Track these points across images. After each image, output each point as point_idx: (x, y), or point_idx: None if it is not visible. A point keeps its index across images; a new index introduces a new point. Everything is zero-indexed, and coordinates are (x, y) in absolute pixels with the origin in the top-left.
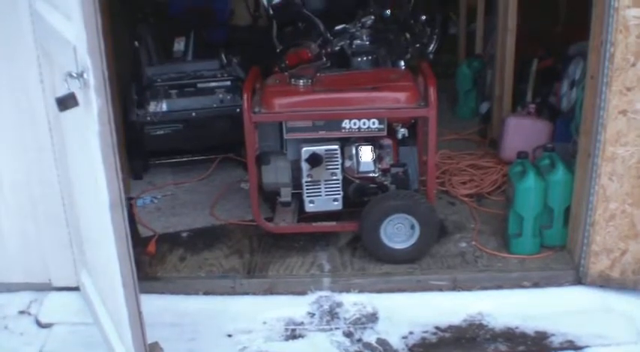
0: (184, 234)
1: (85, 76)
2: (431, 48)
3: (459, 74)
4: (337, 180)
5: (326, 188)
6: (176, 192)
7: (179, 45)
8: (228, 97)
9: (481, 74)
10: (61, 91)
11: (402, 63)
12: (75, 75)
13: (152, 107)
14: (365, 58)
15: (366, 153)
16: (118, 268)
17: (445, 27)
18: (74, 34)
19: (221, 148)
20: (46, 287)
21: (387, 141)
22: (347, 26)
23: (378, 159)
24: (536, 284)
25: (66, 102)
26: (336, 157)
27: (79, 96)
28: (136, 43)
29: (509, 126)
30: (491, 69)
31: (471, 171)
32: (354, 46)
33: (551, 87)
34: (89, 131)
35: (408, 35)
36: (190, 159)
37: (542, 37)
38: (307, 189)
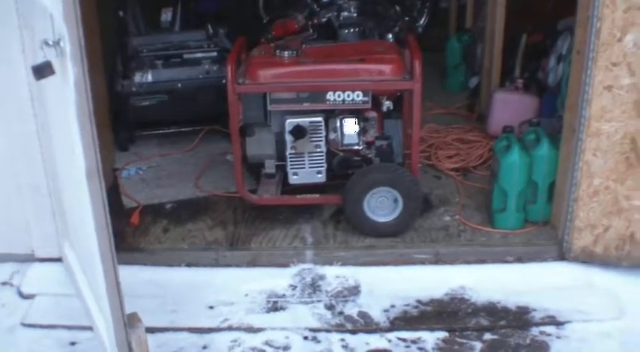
0: (168, 206)
1: (61, 43)
2: (421, 21)
3: (448, 48)
4: (321, 152)
5: (310, 160)
6: (161, 164)
7: (166, 15)
8: (215, 68)
9: (470, 48)
10: (38, 60)
11: (390, 36)
12: (51, 43)
13: (137, 78)
14: (352, 30)
15: (350, 126)
16: (96, 238)
17: (436, 0)
18: (51, 1)
19: (207, 120)
20: (28, 259)
21: (372, 114)
22: None
23: (362, 132)
24: (519, 259)
25: (42, 71)
26: (320, 129)
27: (56, 65)
28: (121, 13)
29: (496, 101)
30: (481, 43)
31: (457, 145)
32: (341, 18)
33: (540, 62)
34: (66, 100)
35: (397, 8)
36: (176, 130)
37: (534, 12)
38: (291, 161)
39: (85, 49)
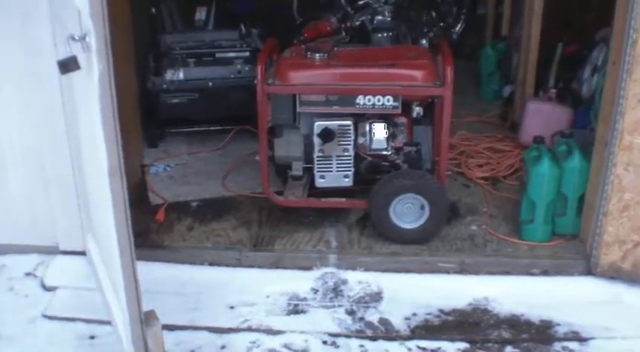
0: (194, 204)
1: (87, 39)
2: (457, 28)
3: (483, 56)
4: (349, 156)
5: (337, 164)
6: (190, 162)
7: (200, 14)
8: (246, 68)
9: (505, 57)
10: (65, 54)
11: (424, 41)
12: (77, 38)
13: (169, 75)
14: (385, 35)
15: (379, 131)
16: (115, 234)
17: (474, 7)
18: None
19: (237, 119)
20: (53, 251)
21: (402, 120)
22: (370, 1)
23: (391, 137)
24: (545, 272)
25: (67, 65)
26: (349, 133)
27: (81, 60)
28: (153, 10)
29: (528, 111)
30: (517, 52)
31: (488, 154)
32: (375, 22)
33: (575, 73)
34: (90, 95)
35: (433, 13)
36: (206, 129)
37: (574, 23)
38: (318, 164)
39: (116, 45)
